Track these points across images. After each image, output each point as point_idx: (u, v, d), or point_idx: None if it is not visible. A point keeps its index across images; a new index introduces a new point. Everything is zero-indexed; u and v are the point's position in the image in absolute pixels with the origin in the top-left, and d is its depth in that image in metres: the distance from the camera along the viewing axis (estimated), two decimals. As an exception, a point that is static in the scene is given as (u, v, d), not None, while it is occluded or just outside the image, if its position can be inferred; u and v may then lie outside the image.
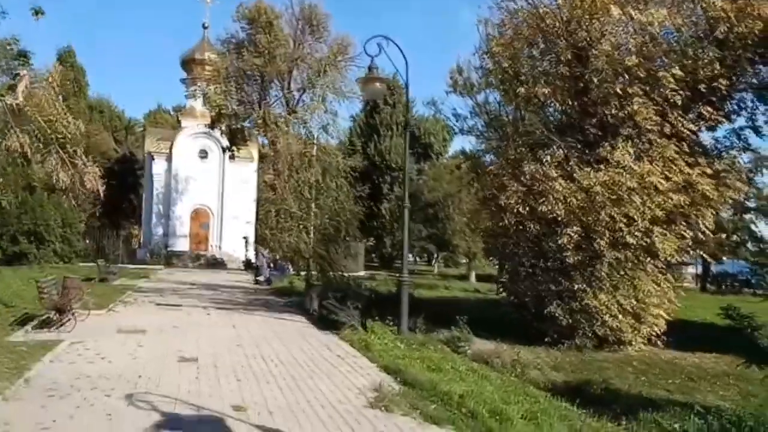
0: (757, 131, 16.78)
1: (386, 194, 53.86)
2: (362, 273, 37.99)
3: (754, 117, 17.02)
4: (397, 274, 15.38)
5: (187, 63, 48.07)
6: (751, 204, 49.61)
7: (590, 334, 14.20)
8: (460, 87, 21.07)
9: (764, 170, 47.48)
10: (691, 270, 47.99)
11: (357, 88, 28.23)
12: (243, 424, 7.01)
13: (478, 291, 30.50)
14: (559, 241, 14.10)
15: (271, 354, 11.41)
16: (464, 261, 49.27)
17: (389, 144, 56.25)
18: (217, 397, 8.24)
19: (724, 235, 46.48)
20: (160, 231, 46.02)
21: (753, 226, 48.98)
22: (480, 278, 43.28)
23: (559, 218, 14.18)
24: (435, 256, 54.08)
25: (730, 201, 14.68)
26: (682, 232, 14.31)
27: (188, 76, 47.47)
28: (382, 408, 8.11)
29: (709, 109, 14.27)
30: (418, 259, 58.34)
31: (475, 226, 20.34)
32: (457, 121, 21.58)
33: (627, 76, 14.18)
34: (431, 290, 30.29)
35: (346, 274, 20.99)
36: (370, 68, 14.10)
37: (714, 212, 14.64)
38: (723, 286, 47.02)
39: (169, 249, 44.70)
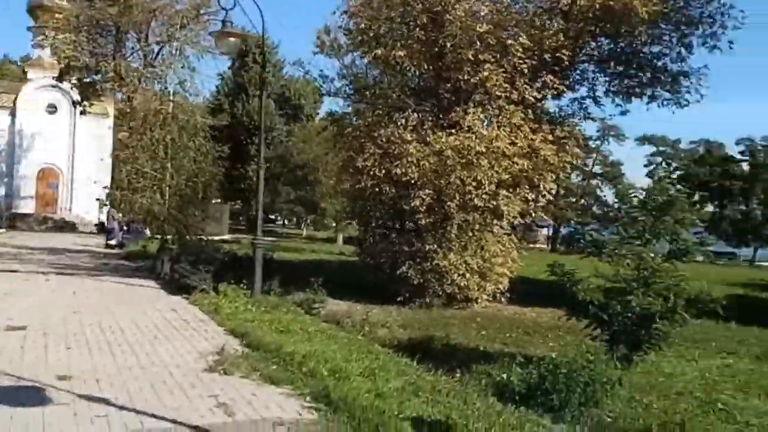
0: (596, 101, 18.03)
1: (254, 156, 52.63)
2: (226, 236, 37.11)
3: (595, 87, 18.28)
4: (253, 237, 15.13)
5: (35, 9, 43.88)
6: (598, 170, 53.74)
7: (440, 293, 14.77)
8: (327, 48, 20.80)
9: (610, 139, 51.19)
10: (544, 232, 51.32)
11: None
12: (64, 393, 6.62)
13: (343, 253, 30.76)
14: (412, 204, 14.44)
15: (111, 320, 10.84)
16: (333, 224, 49.48)
17: (257, 104, 54.78)
18: (42, 366, 7.72)
19: (573, 199, 50.07)
20: (2, 192, 42.28)
21: (599, 191, 53.07)
22: (347, 241, 43.70)
23: (413, 181, 14.49)
24: (304, 219, 53.86)
25: (569, 166, 15.66)
26: (526, 195, 15.13)
27: (36, 24, 43.39)
28: (221, 371, 7.97)
29: (552, 78, 15.03)
30: (286, 222, 57.91)
31: (337, 189, 20.38)
32: (324, 83, 21.40)
33: (479, 43, 14.58)
34: (296, 253, 30.21)
35: (205, 237, 20.40)
36: (223, 22, 13.59)
37: (555, 176, 15.57)
38: (571, 247, 50.43)
39: (12, 211, 41.24)
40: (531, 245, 41.87)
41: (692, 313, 8.45)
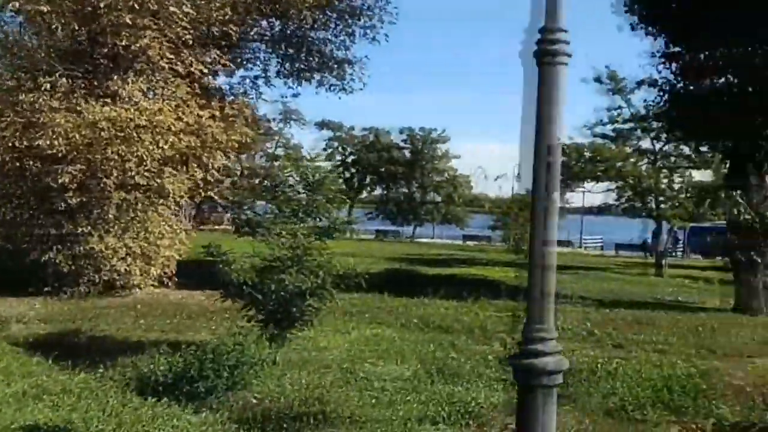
0: (268, 81, 18.18)
1: None
2: None
3: (267, 68, 18.41)
4: None
5: None
6: (281, 152, 55.21)
7: (96, 280, 13.42)
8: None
9: (292, 122, 52.90)
10: (229, 214, 51.04)
11: None
12: None
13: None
14: (61, 180, 12.80)
15: None
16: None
17: None
18: None
19: (257, 180, 50.56)
20: None
21: (280, 173, 54.55)
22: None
23: (61, 155, 12.84)
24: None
25: (237, 145, 15.36)
26: (194, 174, 14.51)
27: None
28: None
29: (219, 52, 14.60)
30: None
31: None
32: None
33: (138, 7, 13.41)
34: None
35: None
36: None
37: (225, 155, 15.20)
38: (251, 229, 50.83)
39: None
40: (217, 226, 41.23)
41: (341, 288, 8.83)
